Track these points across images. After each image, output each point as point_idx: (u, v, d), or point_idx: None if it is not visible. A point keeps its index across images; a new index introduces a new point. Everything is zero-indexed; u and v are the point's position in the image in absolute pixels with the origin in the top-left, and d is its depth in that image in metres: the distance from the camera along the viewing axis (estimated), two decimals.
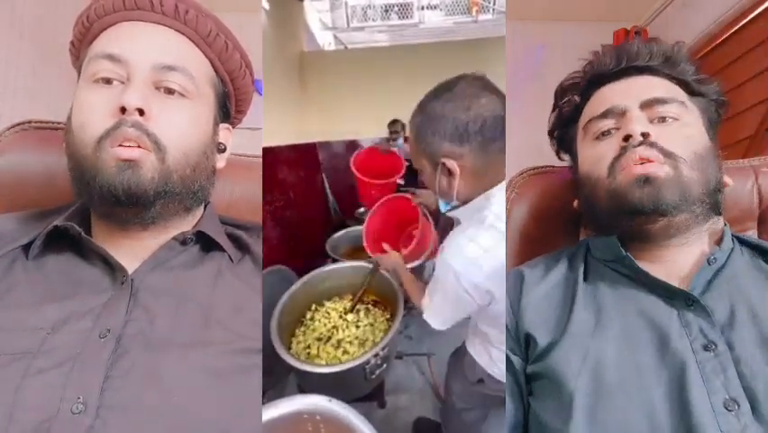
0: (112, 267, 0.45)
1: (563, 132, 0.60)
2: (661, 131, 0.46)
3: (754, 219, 0.62)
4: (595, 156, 0.50)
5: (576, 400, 0.39)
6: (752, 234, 0.62)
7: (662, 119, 0.47)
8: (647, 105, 0.47)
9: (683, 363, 0.38)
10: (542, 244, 0.64)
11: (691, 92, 0.51)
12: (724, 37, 1.65)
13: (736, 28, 1.58)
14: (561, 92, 0.58)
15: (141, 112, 0.43)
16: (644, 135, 0.45)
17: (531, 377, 0.47)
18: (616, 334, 0.43)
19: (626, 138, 0.46)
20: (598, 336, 0.43)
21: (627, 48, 0.51)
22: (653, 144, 0.45)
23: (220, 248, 0.51)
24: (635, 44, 0.51)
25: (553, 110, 0.60)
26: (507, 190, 0.69)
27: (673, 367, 0.39)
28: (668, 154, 0.44)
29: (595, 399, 0.39)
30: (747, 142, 1.50)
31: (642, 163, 0.44)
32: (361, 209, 1.93)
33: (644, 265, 0.46)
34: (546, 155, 0.64)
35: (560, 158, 0.63)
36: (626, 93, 0.50)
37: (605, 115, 0.50)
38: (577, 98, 0.56)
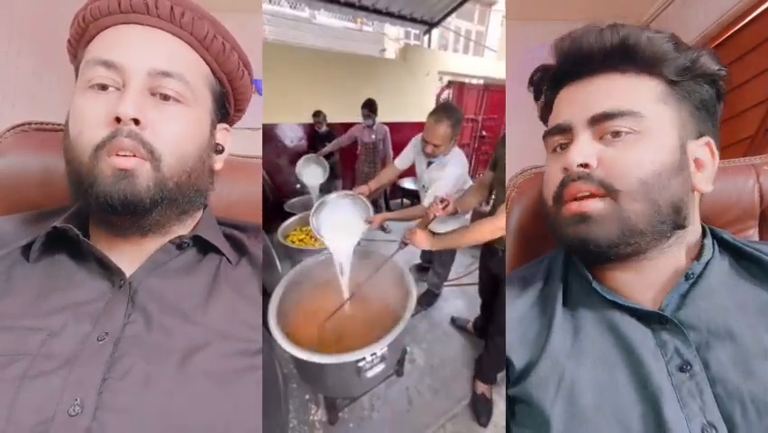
0: (110, 270, 0.45)
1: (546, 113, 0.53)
2: (609, 151, 0.41)
3: (755, 218, 0.62)
4: (547, 174, 0.47)
5: (552, 426, 0.39)
6: (753, 233, 0.62)
7: (616, 133, 0.41)
8: (595, 120, 0.42)
9: (659, 385, 0.38)
10: (542, 244, 0.64)
11: (671, 81, 0.42)
12: (724, 38, 1.64)
13: (736, 28, 1.58)
14: (531, 84, 0.53)
15: (136, 121, 0.42)
16: (583, 166, 0.41)
17: (511, 400, 0.46)
18: (592, 355, 0.42)
19: (566, 167, 0.43)
20: (575, 357, 0.43)
21: (579, 40, 0.44)
22: (591, 177, 0.41)
23: (218, 251, 0.51)
24: (589, 34, 0.43)
25: (535, 98, 0.54)
26: (507, 190, 0.69)
27: (649, 390, 0.38)
28: (607, 187, 0.40)
29: (572, 423, 0.39)
30: (747, 143, 1.50)
31: (578, 199, 0.42)
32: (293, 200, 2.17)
33: (620, 277, 0.45)
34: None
35: None
36: (575, 104, 0.44)
37: (553, 131, 0.46)
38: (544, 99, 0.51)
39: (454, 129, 1.34)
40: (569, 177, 0.42)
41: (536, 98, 0.53)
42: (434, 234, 1.12)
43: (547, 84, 0.50)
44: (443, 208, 1.20)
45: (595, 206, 0.41)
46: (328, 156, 2.45)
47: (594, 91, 0.43)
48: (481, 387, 1.31)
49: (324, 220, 1.19)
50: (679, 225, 0.43)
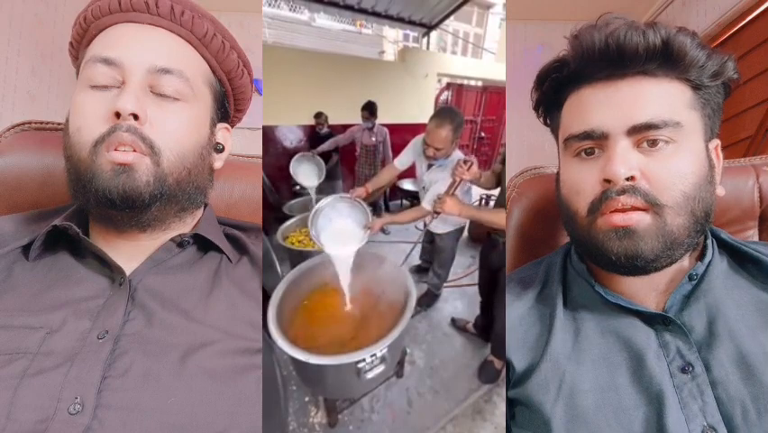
0: (110, 268, 0.45)
1: (549, 106, 0.51)
2: (650, 162, 0.40)
3: (755, 219, 0.62)
4: (575, 181, 0.44)
5: (553, 428, 0.39)
6: (752, 233, 0.62)
7: (653, 142, 0.40)
8: (636, 130, 0.39)
9: (660, 386, 0.38)
10: (542, 244, 0.64)
11: (697, 86, 0.41)
12: (724, 38, 1.65)
13: (736, 29, 1.58)
14: (542, 77, 0.49)
15: (135, 117, 0.43)
16: (629, 179, 0.39)
17: (511, 402, 0.46)
18: (593, 357, 0.42)
19: (608, 179, 0.40)
20: (576, 358, 0.42)
21: (617, 35, 0.40)
22: (636, 190, 0.39)
23: (218, 249, 0.51)
24: (627, 30, 0.40)
25: (536, 90, 0.50)
26: (507, 190, 0.69)
27: (651, 391, 0.38)
28: (652, 201, 0.39)
29: (572, 425, 0.39)
30: (747, 143, 1.50)
31: (623, 210, 0.40)
32: (293, 201, 2.15)
33: (624, 281, 0.45)
34: (547, 155, 0.64)
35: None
36: (611, 109, 0.41)
37: (585, 136, 0.42)
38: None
39: (456, 132, 1.35)
40: (612, 190, 0.40)
41: (539, 90, 0.49)
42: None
43: (560, 80, 0.46)
44: (468, 169, 1.23)
45: (640, 219, 0.39)
46: (328, 158, 2.44)
47: (631, 96, 0.40)
48: (492, 356, 1.36)
49: (323, 228, 1.19)
50: (705, 231, 0.43)
